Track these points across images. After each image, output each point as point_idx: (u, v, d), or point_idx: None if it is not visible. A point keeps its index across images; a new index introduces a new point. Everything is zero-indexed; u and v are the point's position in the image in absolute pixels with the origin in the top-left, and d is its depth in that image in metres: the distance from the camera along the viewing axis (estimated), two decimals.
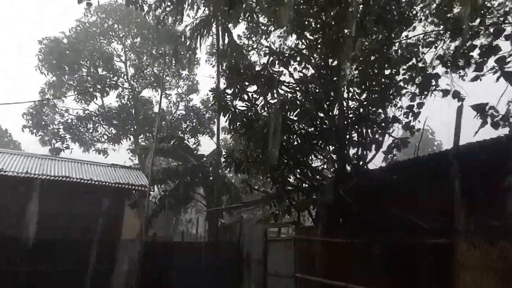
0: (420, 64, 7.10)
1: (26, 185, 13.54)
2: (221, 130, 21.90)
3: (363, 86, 7.76)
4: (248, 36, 19.23)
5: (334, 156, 8.10)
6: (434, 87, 5.69)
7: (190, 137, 27.90)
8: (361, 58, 7.36)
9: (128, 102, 27.10)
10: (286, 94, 8.40)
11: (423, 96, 5.70)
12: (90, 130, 27.08)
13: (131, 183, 16.28)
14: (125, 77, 26.94)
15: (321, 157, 9.14)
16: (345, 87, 7.77)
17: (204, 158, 21.16)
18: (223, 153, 10.11)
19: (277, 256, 10.30)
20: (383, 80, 7.43)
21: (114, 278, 10.71)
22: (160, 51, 23.97)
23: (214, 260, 12.20)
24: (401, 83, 7.30)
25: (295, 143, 8.12)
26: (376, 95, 7.57)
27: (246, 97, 8.50)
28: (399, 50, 7.60)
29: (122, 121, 26.88)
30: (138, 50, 26.64)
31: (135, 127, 27.49)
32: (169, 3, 17.17)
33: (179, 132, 27.40)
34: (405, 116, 6.02)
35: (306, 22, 8.41)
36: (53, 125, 26.20)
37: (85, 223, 13.97)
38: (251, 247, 11.89)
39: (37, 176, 13.98)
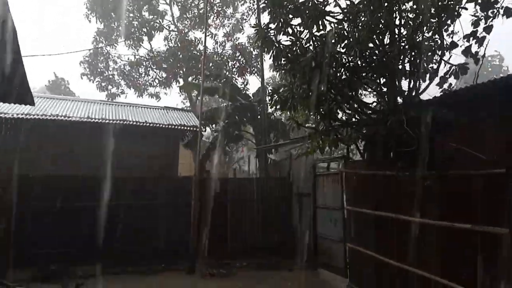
0: None
1: (89, 129, 14.59)
2: (268, 68, 21.63)
3: (416, 10, 7.14)
4: None
5: (384, 89, 7.77)
6: (497, 12, 5.03)
7: (237, 77, 27.88)
8: None
9: (176, 45, 27.27)
10: (333, 26, 7.97)
11: (489, 20, 5.07)
12: (142, 75, 27.93)
13: (183, 124, 16.91)
14: (170, 19, 26.88)
15: (371, 90, 8.82)
16: (397, 12, 7.19)
17: (251, 97, 21.26)
18: (269, 91, 10.04)
19: (326, 190, 10.52)
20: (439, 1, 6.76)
21: (174, 209, 11.72)
22: None
23: (266, 194, 12.73)
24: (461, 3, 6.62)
25: (343, 76, 7.84)
26: (431, 19, 6.96)
27: (290, 31, 8.19)
28: None
29: (171, 64, 27.32)
30: None
31: (184, 69, 27.85)
32: None
33: (226, 72, 27.42)
34: (465, 40, 5.42)
35: None
36: (108, 72, 27.33)
37: (145, 163, 15.00)
38: (301, 182, 12.19)
39: (98, 121, 14.95)
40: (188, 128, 16.76)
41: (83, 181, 11.12)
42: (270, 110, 20.25)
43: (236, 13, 27.38)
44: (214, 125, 22.33)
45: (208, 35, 25.90)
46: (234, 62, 26.87)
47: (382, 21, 7.55)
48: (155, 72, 28.77)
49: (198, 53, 26.95)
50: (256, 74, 27.53)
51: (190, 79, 28.46)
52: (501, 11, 5.47)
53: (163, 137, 16.60)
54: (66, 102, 17.09)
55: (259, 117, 19.09)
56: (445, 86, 7.22)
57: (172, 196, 11.82)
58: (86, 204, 10.76)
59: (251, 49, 26.85)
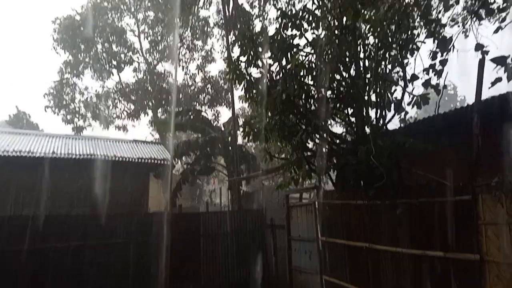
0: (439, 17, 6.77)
1: (53, 165, 14.01)
2: (238, 99, 21.86)
3: (379, 44, 7.50)
4: (254, 3, 18.77)
5: (352, 119, 7.98)
6: (452, 47, 5.43)
7: (208, 108, 27.99)
8: (375, 13, 7.06)
9: (145, 77, 27.18)
10: (301, 58, 8.22)
11: (445, 54, 5.46)
12: (110, 107, 27.50)
13: (154, 157, 16.59)
14: (139, 52, 26.91)
15: (340, 120, 9.03)
16: (361, 46, 7.52)
17: (222, 129, 21.32)
18: (241, 122, 10.09)
19: (300, 221, 10.46)
20: (400, 36, 7.14)
21: (146, 248, 11.17)
22: (172, 22, 23.70)
23: (239, 227, 12.50)
24: (419, 39, 7.02)
25: (313, 107, 8.01)
26: (393, 53, 7.31)
27: (260, 63, 8.37)
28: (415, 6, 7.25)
29: (140, 96, 27.10)
30: (151, 23, 26.40)
31: (153, 101, 27.67)
32: None
33: (197, 104, 27.48)
34: (425, 73, 5.79)
35: None
36: (74, 104, 26.70)
37: (112, 199, 14.45)
38: (274, 214, 12.08)
39: (64, 156, 14.40)
40: (159, 162, 16.44)
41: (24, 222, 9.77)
42: (240, 141, 20.35)
43: (205, 45, 27.81)
44: (185, 158, 22.08)
45: (178, 66, 26.10)
46: (205, 94, 27.05)
47: (347, 54, 7.88)
48: (123, 104, 28.41)
49: (167, 86, 26.97)
50: (226, 105, 27.77)
51: (159, 110, 28.27)
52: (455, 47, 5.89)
53: (132, 171, 16.17)
54: (29, 137, 16.43)
55: (230, 148, 19.07)
56: (403, 114, 7.49)
57: (140, 233, 11.29)
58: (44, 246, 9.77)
59: (221, 82, 27.18)
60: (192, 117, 22.45)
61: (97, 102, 26.97)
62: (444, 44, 5.42)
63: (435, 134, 6.13)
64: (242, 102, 27.02)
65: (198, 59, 28.00)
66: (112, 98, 27.68)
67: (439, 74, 5.71)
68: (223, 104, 27.62)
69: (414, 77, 6.12)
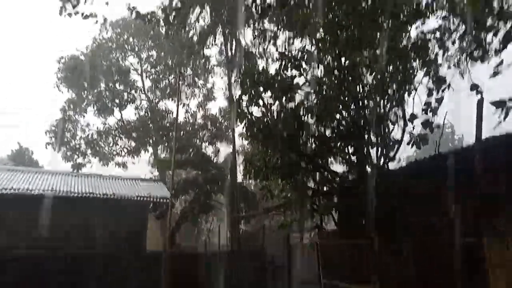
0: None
1: (52, 202, 13.85)
2: (239, 136, 22.00)
3: (377, 84, 7.63)
4: (256, 43, 19.34)
5: (353, 158, 7.98)
6: (447, 86, 5.56)
7: (208, 145, 28.05)
8: (374, 54, 7.25)
9: (146, 114, 27.43)
10: (301, 98, 8.36)
11: (441, 91, 5.57)
12: (110, 144, 27.53)
13: (153, 195, 16.43)
14: (141, 90, 27.35)
15: (340, 159, 9.03)
16: (359, 86, 7.66)
17: (222, 166, 21.28)
18: (242, 160, 10.09)
19: (301, 261, 10.19)
20: (398, 77, 7.30)
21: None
22: (175, 61, 24.22)
23: (239, 268, 12.16)
24: (416, 78, 7.18)
25: (313, 146, 8.04)
26: (392, 92, 7.44)
27: (261, 103, 8.49)
28: (411, 45, 7.46)
29: (140, 134, 27.21)
30: (153, 61, 27.01)
31: (154, 138, 27.77)
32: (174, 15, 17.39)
33: (197, 141, 27.57)
34: (423, 112, 5.89)
35: (316, 24, 8.37)
36: (74, 141, 26.77)
37: (111, 237, 14.18)
38: (274, 254, 11.80)
39: (63, 194, 14.27)
40: (158, 200, 16.26)
41: None
42: (240, 179, 20.23)
43: (207, 83, 28.29)
44: (184, 196, 21.86)
45: (180, 104, 26.38)
46: (205, 131, 27.19)
47: (346, 94, 8.02)
48: (124, 141, 28.48)
49: (168, 123, 27.16)
50: (226, 142, 27.87)
51: (160, 147, 28.31)
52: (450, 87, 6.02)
53: (131, 209, 15.95)
54: (29, 174, 16.35)
55: (230, 186, 18.93)
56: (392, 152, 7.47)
57: (138, 273, 11.00)
58: None
59: (221, 119, 27.42)
60: (192, 154, 22.49)
61: (98, 139, 27.05)
62: (440, 83, 5.53)
63: (438, 173, 6.10)
64: (243, 140, 27.20)
65: (199, 97, 28.39)
66: (113, 135, 27.78)
67: (435, 111, 5.81)
68: (223, 141, 27.71)
69: (413, 117, 6.21)
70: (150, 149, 28.67)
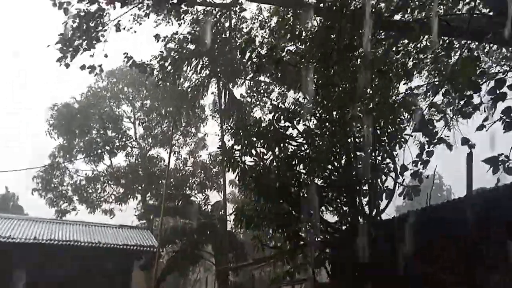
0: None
1: (34, 250, 13.38)
2: (229, 184, 21.94)
3: (368, 137, 7.87)
4: (250, 94, 19.97)
5: (345, 208, 8.02)
6: (437, 140, 5.79)
7: (197, 193, 27.81)
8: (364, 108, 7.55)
9: (136, 161, 27.40)
10: (293, 148, 8.52)
11: (431, 145, 5.78)
12: (98, 191, 27.16)
13: (139, 244, 16.00)
14: (133, 137, 27.53)
15: (332, 209, 9.04)
16: (351, 137, 7.88)
17: (212, 214, 20.99)
18: (232, 208, 10.03)
19: None
20: (388, 129, 7.56)
21: None
22: (169, 110, 24.62)
23: None
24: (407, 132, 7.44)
25: (306, 196, 8.08)
26: (382, 144, 7.66)
27: (254, 152, 8.61)
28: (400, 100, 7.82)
29: (130, 181, 27.00)
30: (147, 110, 27.42)
31: (143, 185, 27.54)
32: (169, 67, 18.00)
33: (187, 188, 27.37)
34: (414, 164, 6.06)
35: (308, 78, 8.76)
36: (61, 187, 26.37)
37: (94, 286, 13.58)
38: None
39: (46, 242, 13.83)
40: (145, 249, 15.83)
41: None
42: (230, 228, 19.88)
43: (198, 132, 28.60)
44: (171, 245, 21.30)
45: (169, 152, 26.48)
46: (195, 179, 27.11)
47: (338, 145, 8.22)
48: (112, 188, 28.12)
49: (158, 171, 27.07)
50: (216, 190, 27.70)
51: (148, 195, 27.96)
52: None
53: (116, 258, 15.45)
54: (11, 221, 15.88)
55: (219, 235, 18.58)
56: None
57: None
58: None
59: (212, 166, 27.45)
60: (180, 202, 22.24)
61: (86, 186, 26.69)
62: (431, 137, 5.76)
63: (430, 224, 6.16)
64: (233, 187, 27.05)
65: (191, 145, 28.60)
66: (102, 181, 27.49)
67: (425, 164, 6.00)
68: (213, 188, 27.56)
69: (404, 168, 6.37)
70: (139, 196, 28.36)
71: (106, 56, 12.30)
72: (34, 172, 25.66)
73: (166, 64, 17.66)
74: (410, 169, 6.25)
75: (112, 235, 16.83)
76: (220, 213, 20.08)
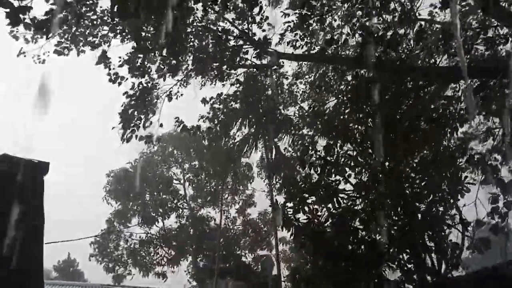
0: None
1: None
2: (279, 242, 21.45)
3: (426, 186, 7.52)
4: (294, 148, 20.05)
5: (410, 265, 7.50)
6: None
7: (247, 252, 27.37)
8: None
9: (187, 222, 27.76)
10: (347, 203, 8.28)
11: (507, 196, 5.39)
12: (151, 253, 27.49)
13: None
14: (184, 198, 28.16)
15: (395, 267, 8.49)
16: (409, 189, 7.57)
17: (261, 273, 20.42)
18: (284, 268, 9.70)
19: None
20: (446, 179, 7.20)
21: None
22: (217, 169, 25.13)
23: None
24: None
25: (366, 253, 7.69)
26: (442, 194, 7.26)
27: (306, 209, 8.46)
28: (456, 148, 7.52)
29: (181, 241, 27.22)
30: (195, 170, 28.20)
31: (193, 246, 27.59)
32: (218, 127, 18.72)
33: (237, 248, 27.05)
34: (489, 217, 5.62)
35: (353, 129, 8.72)
36: (117, 251, 27.03)
37: None
38: None
39: None
40: None
41: None
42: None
43: (246, 189, 28.69)
44: None
45: (219, 210, 26.67)
46: (246, 238, 26.85)
47: (393, 197, 7.88)
48: (164, 250, 28.38)
49: (209, 230, 27.17)
50: (266, 248, 27.12)
51: (200, 256, 27.85)
52: None
53: None
54: None
55: None
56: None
57: None
58: None
59: (262, 225, 27.17)
60: (232, 263, 21.94)
61: (139, 249, 27.19)
62: (504, 187, 5.38)
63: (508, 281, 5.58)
64: (283, 245, 26.33)
65: (239, 202, 28.65)
66: (154, 244, 27.91)
67: (503, 217, 5.51)
68: (264, 247, 27.03)
69: (480, 223, 5.90)
70: (190, 258, 28.34)
71: (161, 125, 13.13)
72: (92, 238, 26.67)
73: (213, 124, 18.49)
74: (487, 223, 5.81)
75: None
76: (273, 273, 19.48)
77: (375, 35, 7.53)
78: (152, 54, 11.70)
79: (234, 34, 11.81)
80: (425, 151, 7.35)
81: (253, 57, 12.33)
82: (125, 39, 11.60)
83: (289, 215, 8.45)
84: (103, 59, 11.80)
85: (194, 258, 27.74)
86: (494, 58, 7.26)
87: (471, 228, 6.50)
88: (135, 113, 12.15)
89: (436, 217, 7.11)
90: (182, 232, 27.52)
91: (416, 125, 7.00)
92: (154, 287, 26.06)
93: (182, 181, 29.02)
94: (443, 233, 7.25)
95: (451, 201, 7.01)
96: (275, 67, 13.33)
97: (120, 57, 11.89)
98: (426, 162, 7.15)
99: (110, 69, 11.94)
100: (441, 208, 7.30)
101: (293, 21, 11.04)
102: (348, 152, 9.15)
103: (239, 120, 20.23)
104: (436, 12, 9.01)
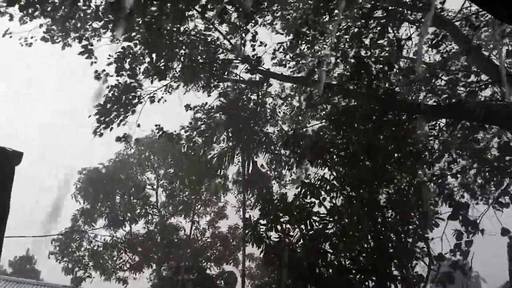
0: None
1: None
2: (246, 258, 21.31)
3: (397, 216, 7.70)
4: (271, 167, 20.20)
5: None
6: (476, 229, 5.66)
7: (213, 266, 26.98)
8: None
9: (155, 229, 27.20)
10: (319, 225, 8.36)
11: (470, 235, 5.62)
12: (114, 258, 26.70)
13: None
14: (155, 205, 27.66)
15: None
16: (381, 218, 7.74)
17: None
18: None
19: None
20: (418, 211, 7.41)
21: None
22: (192, 178, 24.89)
23: None
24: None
25: (333, 277, 7.76)
26: (411, 226, 7.45)
27: (279, 227, 8.49)
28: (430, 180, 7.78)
29: (147, 248, 26.59)
30: (170, 178, 27.81)
31: (159, 254, 27.01)
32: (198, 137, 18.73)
33: (203, 260, 26.64)
34: (451, 254, 5.83)
35: (334, 156, 8.88)
36: (78, 252, 26.12)
37: None
38: None
39: None
40: None
41: None
42: None
43: (219, 202, 28.45)
44: None
45: (190, 220, 26.31)
46: (213, 251, 26.51)
47: (365, 224, 8.02)
48: (128, 256, 27.64)
49: (177, 239, 26.69)
50: (232, 263, 26.85)
51: (164, 265, 27.25)
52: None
53: None
54: (27, 286, 15.64)
55: None
56: None
57: None
58: None
59: (231, 239, 26.91)
60: (196, 275, 21.59)
61: (103, 252, 26.37)
62: (469, 226, 5.60)
63: None
64: (250, 262, 26.11)
65: (210, 214, 28.31)
66: (118, 248, 27.16)
67: (465, 255, 5.73)
68: (230, 262, 26.70)
69: (441, 257, 6.12)
70: (154, 266, 27.71)
71: (138, 126, 13.00)
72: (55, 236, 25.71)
73: (194, 133, 18.47)
74: (448, 258, 6.01)
75: None
76: None
77: (366, 64, 7.78)
78: (141, 56, 11.66)
79: (226, 47, 11.94)
80: (400, 183, 7.54)
81: (243, 72, 12.48)
82: (116, 39, 11.51)
83: (261, 232, 8.46)
84: (87, 51, 11.54)
85: (158, 267, 27.10)
86: (474, 101, 7.66)
87: (437, 263, 6.68)
88: (114, 108, 11.98)
89: (405, 248, 7.27)
90: (150, 238, 26.91)
91: (394, 156, 7.20)
92: None
93: (155, 187, 28.54)
94: (410, 265, 7.42)
95: (420, 233, 7.19)
96: (264, 85, 13.49)
97: (109, 55, 11.76)
98: (400, 193, 7.33)
99: (93, 62, 11.69)
100: (410, 240, 7.48)
101: (285, 42, 11.29)
102: (325, 176, 9.32)
103: (220, 132, 20.23)
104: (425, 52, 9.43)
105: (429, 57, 9.36)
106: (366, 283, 7.97)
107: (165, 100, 13.77)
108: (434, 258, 6.62)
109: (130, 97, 12.42)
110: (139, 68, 11.80)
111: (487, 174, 5.88)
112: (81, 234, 26.38)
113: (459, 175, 7.67)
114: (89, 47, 11.58)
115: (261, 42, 11.66)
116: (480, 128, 7.67)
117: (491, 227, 5.43)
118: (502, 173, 5.31)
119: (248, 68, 11.79)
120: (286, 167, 19.21)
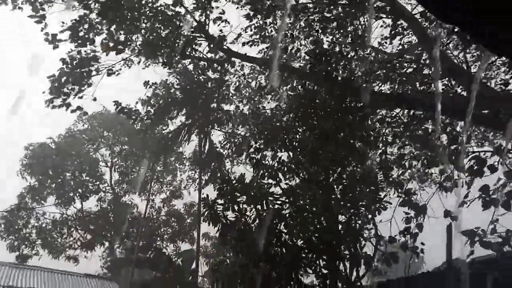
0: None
1: None
2: (202, 237, 21.45)
3: (349, 203, 8.06)
4: (226, 146, 20.18)
5: (325, 271, 7.97)
6: (424, 213, 6.06)
7: (168, 244, 26.94)
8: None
9: (109, 206, 26.57)
10: (276, 206, 8.57)
11: (420, 218, 6.02)
12: (64, 236, 25.85)
13: None
14: (108, 182, 26.91)
15: (311, 272, 8.97)
16: (333, 200, 8.05)
17: (180, 265, 20.29)
18: (207, 266, 9.75)
19: None
20: (367, 195, 7.79)
21: None
22: (147, 155, 24.40)
23: None
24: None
25: (286, 256, 8.03)
26: (362, 210, 7.84)
27: (236, 207, 8.61)
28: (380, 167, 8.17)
29: (99, 227, 25.98)
30: (125, 155, 27.10)
31: (112, 232, 26.49)
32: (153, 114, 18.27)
33: (158, 239, 26.51)
34: (401, 235, 6.24)
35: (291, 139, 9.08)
36: (25, 230, 25.01)
37: None
38: None
39: None
40: None
41: None
42: (200, 282, 19.18)
43: (174, 181, 28.19)
44: None
45: (145, 199, 25.91)
46: (168, 228, 26.40)
47: (319, 206, 8.34)
48: (79, 233, 26.87)
49: (130, 218, 26.25)
50: (187, 241, 26.94)
51: (117, 243, 26.82)
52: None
53: None
54: None
55: None
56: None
57: None
58: None
59: (186, 217, 26.90)
60: (152, 253, 21.51)
61: (51, 229, 25.41)
62: (418, 210, 6.00)
63: None
64: (206, 240, 26.32)
65: (166, 192, 28.05)
66: (69, 226, 26.29)
67: (415, 237, 6.18)
68: (185, 240, 26.77)
69: (393, 240, 6.51)
70: (106, 244, 27.20)
71: (95, 99, 12.44)
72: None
73: (152, 109, 18.00)
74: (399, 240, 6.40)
75: (77, 284, 15.87)
76: (192, 267, 19.43)
77: (327, 51, 7.93)
78: (99, 26, 11.07)
79: (190, 24, 11.60)
80: (353, 167, 7.86)
81: (206, 50, 12.23)
82: (72, 7, 10.78)
83: (218, 212, 8.55)
84: (37, 12, 10.70)
85: (111, 245, 26.63)
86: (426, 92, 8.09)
87: (384, 243, 7.11)
88: (69, 80, 11.33)
89: (354, 230, 7.64)
90: (102, 216, 26.28)
91: (349, 142, 7.47)
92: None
93: (109, 164, 27.70)
94: (358, 245, 7.84)
95: (369, 216, 7.57)
96: (227, 64, 13.32)
97: (63, 23, 11.00)
98: (353, 177, 7.65)
99: (43, 27, 10.89)
100: (359, 222, 7.88)
101: (252, 24, 11.16)
102: (282, 158, 9.50)
103: (177, 108, 19.81)
104: (384, 42, 9.74)
105: (389, 48, 9.70)
106: (317, 262, 8.36)
107: (122, 73, 13.19)
108: (388, 240, 7.04)
109: (87, 69, 11.79)
110: (95, 40, 11.20)
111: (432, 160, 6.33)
112: (28, 211, 25.19)
113: (406, 163, 8.09)
114: (41, 12, 10.78)
115: (226, 21, 11.44)
116: (430, 118, 8.12)
117: (440, 212, 5.91)
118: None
119: (211, 46, 11.56)
120: (242, 147, 19.30)
